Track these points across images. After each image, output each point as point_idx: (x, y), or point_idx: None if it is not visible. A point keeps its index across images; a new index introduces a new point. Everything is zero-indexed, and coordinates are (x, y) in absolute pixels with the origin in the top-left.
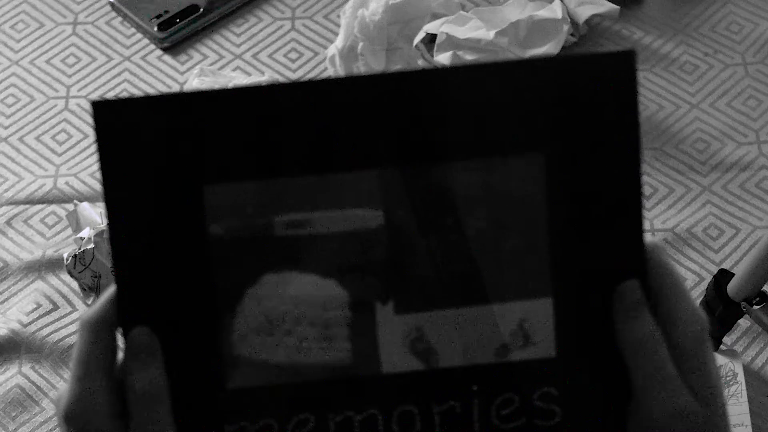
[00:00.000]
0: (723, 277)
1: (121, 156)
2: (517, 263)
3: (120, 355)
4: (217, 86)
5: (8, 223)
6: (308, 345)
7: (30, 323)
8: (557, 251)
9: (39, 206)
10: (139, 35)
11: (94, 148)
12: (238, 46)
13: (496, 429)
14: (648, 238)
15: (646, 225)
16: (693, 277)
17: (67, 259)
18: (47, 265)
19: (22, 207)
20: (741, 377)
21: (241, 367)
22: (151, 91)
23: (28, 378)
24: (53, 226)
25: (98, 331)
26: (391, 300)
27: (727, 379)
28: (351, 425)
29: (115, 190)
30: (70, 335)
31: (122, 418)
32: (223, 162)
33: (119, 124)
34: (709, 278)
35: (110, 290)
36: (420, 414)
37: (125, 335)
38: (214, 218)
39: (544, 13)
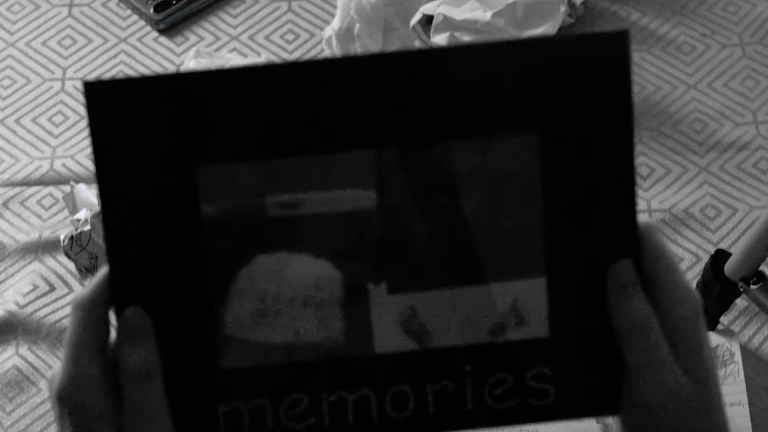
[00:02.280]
0: (720, 257)
1: (114, 137)
2: (511, 243)
3: (113, 335)
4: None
5: (5, 204)
6: (301, 325)
7: (27, 304)
8: (551, 231)
9: (36, 188)
10: (135, 17)
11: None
12: (235, 27)
13: (490, 409)
14: (642, 217)
15: (643, 205)
16: (690, 257)
17: (63, 241)
18: (44, 247)
19: (18, 189)
20: (738, 357)
21: (235, 347)
22: (147, 73)
23: (25, 359)
24: (50, 207)
25: (91, 312)
26: (384, 280)
27: (724, 358)
28: (344, 405)
29: (108, 171)
30: (66, 316)
31: (115, 397)
32: (217, 142)
33: (112, 104)
34: (706, 258)
35: (103, 270)
36: (413, 394)
37: (118, 315)
38: (208, 199)
39: None
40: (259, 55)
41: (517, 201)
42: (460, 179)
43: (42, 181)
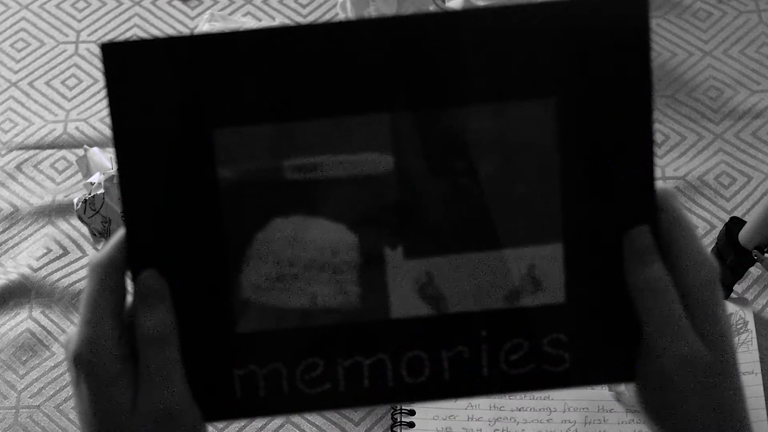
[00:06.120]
0: (734, 224)
1: (130, 99)
2: (528, 208)
3: (129, 298)
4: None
5: (18, 167)
6: (317, 290)
7: (40, 268)
8: (568, 196)
9: (49, 151)
10: None
11: (104, 92)
12: None
13: (505, 374)
14: (660, 184)
15: (658, 173)
16: (704, 225)
17: (77, 204)
18: (57, 210)
19: (32, 152)
20: (751, 325)
21: (251, 311)
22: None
23: (38, 323)
24: (63, 171)
25: (107, 274)
26: (400, 245)
27: (738, 327)
28: (360, 370)
29: (125, 133)
30: (80, 280)
31: (131, 360)
32: (233, 105)
33: (129, 66)
34: (720, 226)
35: (119, 233)
36: (429, 359)
37: (134, 278)
38: (224, 162)
39: None
40: (273, 19)
41: (534, 165)
42: (476, 143)
43: (55, 145)
